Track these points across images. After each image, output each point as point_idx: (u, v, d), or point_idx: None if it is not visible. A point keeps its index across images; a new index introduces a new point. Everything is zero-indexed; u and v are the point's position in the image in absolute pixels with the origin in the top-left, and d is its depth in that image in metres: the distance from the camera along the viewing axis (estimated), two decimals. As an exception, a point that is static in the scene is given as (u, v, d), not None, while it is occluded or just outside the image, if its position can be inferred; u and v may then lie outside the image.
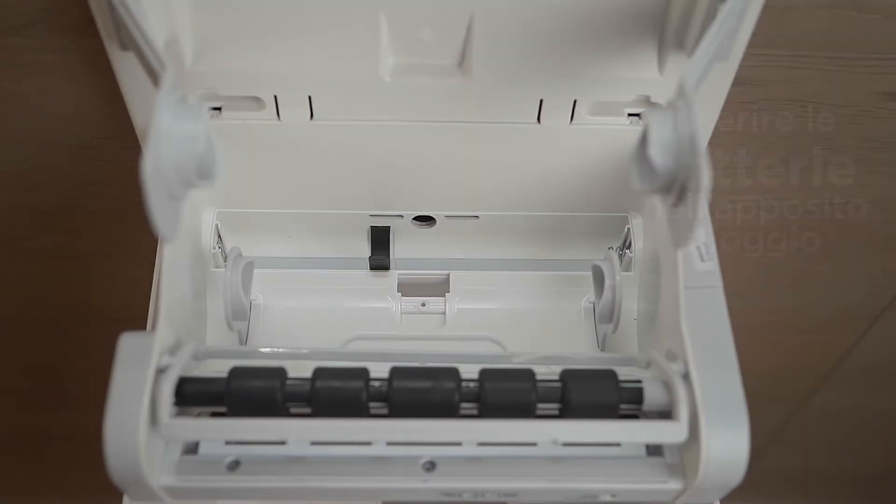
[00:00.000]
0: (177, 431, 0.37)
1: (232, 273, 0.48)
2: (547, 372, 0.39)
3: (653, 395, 0.38)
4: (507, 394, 0.38)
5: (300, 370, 0.38)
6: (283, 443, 0.39)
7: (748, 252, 0.70)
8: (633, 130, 0.46)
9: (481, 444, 0.40)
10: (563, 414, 0.38)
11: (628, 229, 0.51)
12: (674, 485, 0.38)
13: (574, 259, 0.54)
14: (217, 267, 0.50)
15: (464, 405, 0.38)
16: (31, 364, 0.87)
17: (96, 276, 0.71)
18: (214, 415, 0.39)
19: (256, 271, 0.51)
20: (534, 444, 0.40)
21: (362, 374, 0.38)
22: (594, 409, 0.38)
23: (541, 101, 0.45)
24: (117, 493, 0.39)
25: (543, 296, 0.53)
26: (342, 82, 0.44)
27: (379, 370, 0.38)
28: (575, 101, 0.45)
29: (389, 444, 0.39)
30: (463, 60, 0.43)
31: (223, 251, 0.51)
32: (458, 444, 0.39)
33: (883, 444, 1.13)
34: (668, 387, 0.38)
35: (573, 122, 0.46)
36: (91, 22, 0.41)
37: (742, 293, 0.67)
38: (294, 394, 0.37)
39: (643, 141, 0.34)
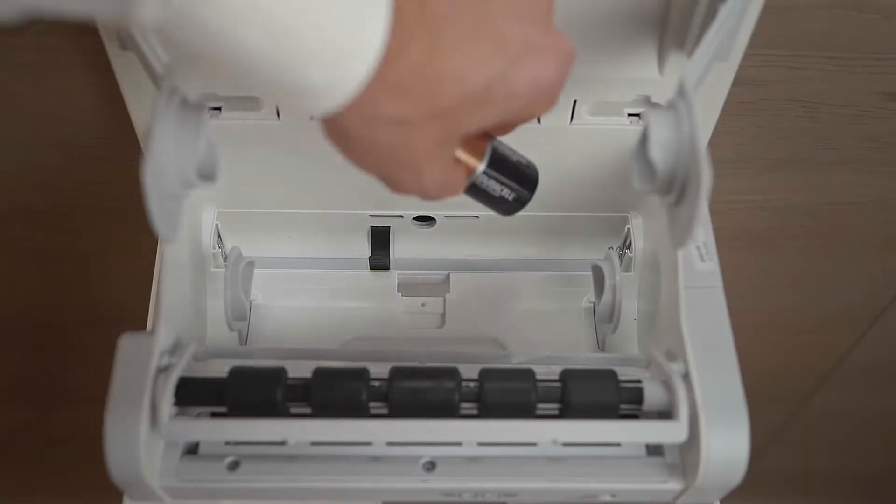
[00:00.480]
0: (177, 432, 0.37)
1: (232, 273, 0.48)
2: (547, 372, 0.39)
3: (653, 395, 0.38)
4: (507, 394, 0.38)
5: (300, 370, 0.38)
6: (283, 443, 0.39)
7: (748, 252, 0.70)
8: (633, 130, 0.46)
9: (481, 444, 0.40)
10: (563, 414, 0.38)
11: (628, 229, 0.51)
12: (674, 485, 0.38)
13: (574, 259, 0.54)
14: (217, 267, 0.50)
15: (464, 405, 0.38)
16: (31, 364, 0.87)
17: (96, 276, 0.71)
18: (214, 415, 0.39)
19: (256, 271, 0.51)
20: (534, 444, 0.40)
21: (362, 374, 0.37)
22: (594, 409, 0.38)
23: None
24: (117, 493, 0.39)
25: (543, 296, 0.52)
26: (342, 82, 0.44)
27: (379, 370, 0.38)
28: (575, 101, 0.45)
29: (389, 444, 0.39)
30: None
31: (223, 251, 0.51)
32: (458, 444, 0.39)
33: (883, 444, 1.13)
34: (668, 387, 0.38)
35: (573, 122, 0.46)
36: (91, 22, 0.41)
37: (742, 293, 0.67)
38: (294, 394, 0.37)
39: (643, 141, 0.34)
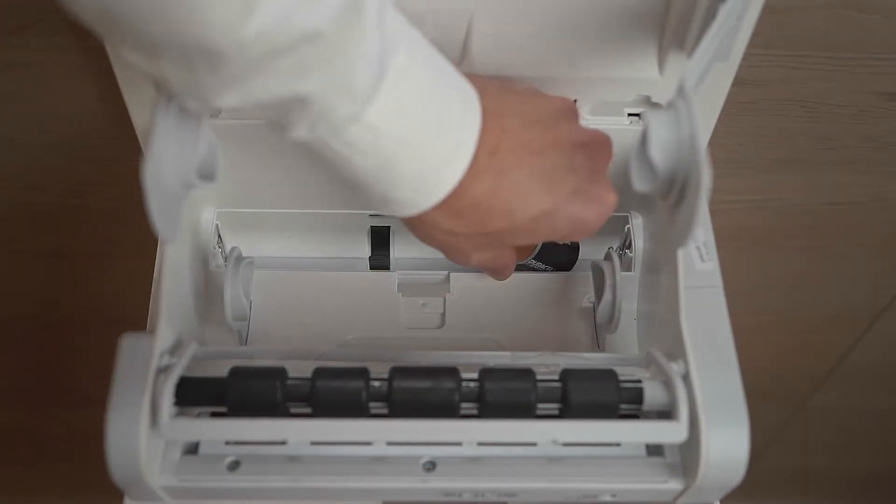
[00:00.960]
0: (177, 432, 0.37)
1: (232, 273, 0.48)
2: (547, 372, 0.39)
3: (653, 395, 0.38)
4: (507, 394, 0.38)
5: (300, 370, 0.38)
6: (283, 443, 0.39)
7: (748, 252, 0.70)
8: (633, 130, 0.46)
9: (481, 444, 0.40)
10: (564, 414, 0.38)
11: (628, 229, 0.51)
12: (674, 485, 0.38)
13: (574, 259, 0.54)
14: (217, 267, 0.50)
15: (464, 405, 0.38)
16: (30, 364, 0.87)
17: (96, 276, 0.71)
18: (214, 415, 0.39)
19: (256, 271, 0.51)
20: (534, 444, 0.40)
21: (362, 373, 0.38)
22: (594, 408, 0.38)
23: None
24: (117, 493, 0.39)
25: (543, 296, 0.52)
26: (342, 82, 0.44)
27: (379, 370, 0.38)
28: (575, 102, 0.45)
29: (389, 443, 0.39)
30: (463, 60, 0.43)
31: (223, 251, 0.51)
32: (458, 444, 0.39)
33: (882, 444, 1.13)
34: (668, 387, 0.38)
35: (573, 122, 0.46)
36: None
37: (742, 293, 0.67)
38: (294, 394, 0.37)
39: (643, 141, 0.34)
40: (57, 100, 0.52)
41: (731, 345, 0.40)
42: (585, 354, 0.44)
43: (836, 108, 0.55)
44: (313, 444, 0.39)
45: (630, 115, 0.46)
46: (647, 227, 0.50)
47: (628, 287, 0.50)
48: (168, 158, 0.32)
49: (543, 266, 0.51)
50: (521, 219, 0.37)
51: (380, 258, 0.53)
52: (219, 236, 0.51)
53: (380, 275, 0.53)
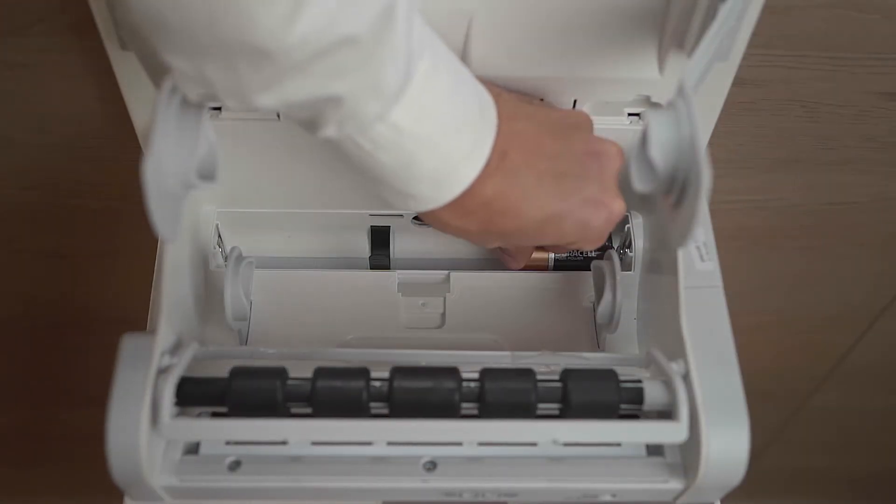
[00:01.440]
0: (178, 432, 0.37)
1: (232, 273, 0.48)
2: (547, 372, 0.39)
3: (653, 395, 0.38)
4: (507, 394, 0.38)
5: (301, 370, 0.38)
6: (283, 443, 0.39)
7: (748, 252, 0.70)
8: (633, 130, 0.46)
9: (482, 443, 0.40)
10: (564, 414, 0.38)
11: (628, 229, 0.51)
12: (674, 484, 0.38)
13: (574, 259, 0.54)
14: (217, 267, 0.50)
15: (464, 405, 0.38)
16: (30, 364, 0.87)
17: (96, 276, 0.71)
18: (215, 415, 0.39)
19: (256, 271, 0.51)
20: (534, 444, 0.40)
21: (363, 373, 0.38)
22: (594, 408, 0.38)
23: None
24: (117, 493, 0.39)
25: (543, 295, 0.52)
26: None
27: (379, 370, 0.38)
28: (575, 101, 0.45)
29: (390, 443, 0.39)
30: (463, 60, 0.43)
31: (223, 251, 0.51)
32: (459, 444, 0.39)
33: (882, 444, 1.13)
34: (668, 387, 0.38)
35: (573, 122, 0.46)
36: (91, 22, 0.41)
37: (742, 293, 0.67)
38: (295, 394, 0.37)
39: (643, 141, 0.34)
40: (57, 100, 0.52)
41: (731, 345, 0.40)
42: (585, 354, 0.44)
43: (836, 108, 0.55)
44: (314, 444, 0.39)
45: (630, 115, 0.46)
46: (647, 227, 0.51)
47: (628, 287, 0.50)
48: (168, 158, 0.32)
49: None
50: (528, 221, 0.39)
51: (380, 258, 0.53)
52: (219, 236, 0.51)
53: (380, 274, 0.53)
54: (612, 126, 0.46)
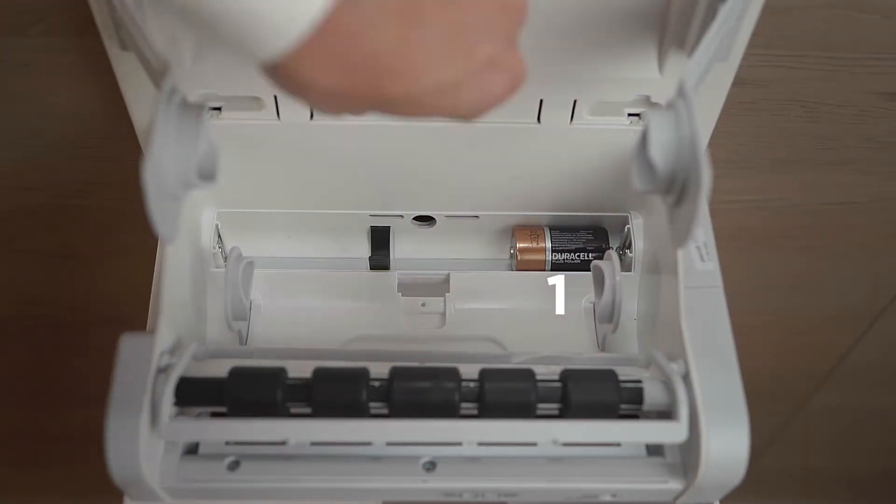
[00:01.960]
0: (177, 432, 0.37)
1: (232, 273, 0.48)
2: (547, 372, 0.39)
3: (653, 395, 0.38)
4: (507, 394, 0.38)
5: (300, 370, 0.38)
6: (283, 443, 0.39)
7: (748, 252, 0.70)
8: (633, 130, 0.46)
9: (481, 444, 0.40)
10: (564, 414, 0.38)
11: (628, 229, 0.51)
12: (674, 485, 0.38)
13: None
14: (217, 267, 0.50)
15: (464, 405, 0.38)
16: (30, 364, 0.87)
17: (96, 276, 0.71)
18: (214, 415, 0.39)
19: (256, 271, 0.51)
20: (534, 444, 0.40)
21: (362, 374, 0.37)
22: (594, 409, 0.38)
23: (541, 101, 0.45)
24: (117, 493, 0.39)
25: (543, 296, 0.52)
26: (342, 82, 0.44)
27: (379, 370, 0.38)
28: (575, 101, 0.45)
29: (389, 444, 0.39)
30: (463, 60, 0.43)
31: (223, 251, 0.51)
32: (459, 444, 0.39)
33: (883, 444, 1.13)
34: (668, 387, 0.38)
35: (573, 122, 0.46)
36: (91, 22, 0.41)
37: (742, 293, 0.67)
38: (294, 394, 0.37)
39: (643, 141, 0.34)
40: (57, 100, 0.52)
41: (731, 345, 0.40)
42: (585, 354, 0.44)
43: (836, 108, 0.55)
44: (313, 444, 0.39)
45: (630, 115, 0.46)
46: (647, 227, 0.50)
47: (628, 287, 0.50)
48: (168, 158, 0.32)
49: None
50: (426, 86, 0.30)
51: (380, 258, 0.53)
52: (219, 236, 0.51)
53: (380, 275, 0.53)
54: (612, 126, 0.46)
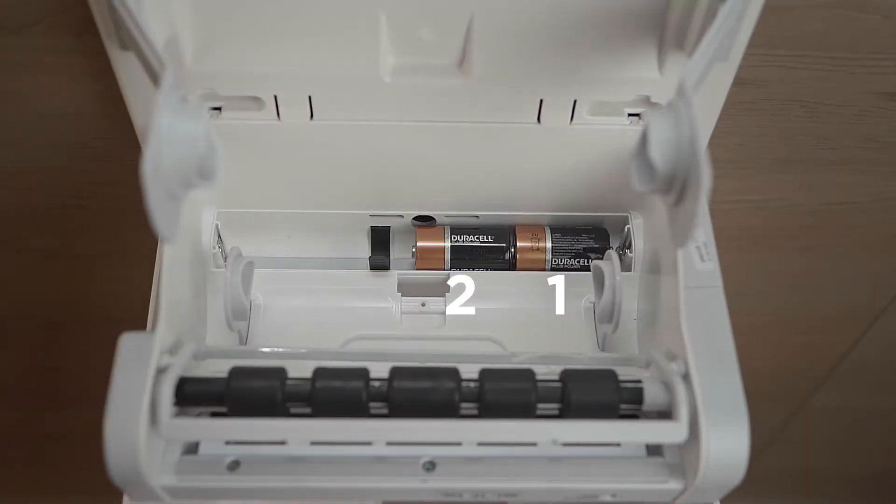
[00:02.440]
0: (177, 431, 0.37)
1: (232, 273, 0.48)
2: (547, 372, 0.39)
3: (653, 395, 0.38)
4: (507, 394, 0.38)
5: (300, 370, 0.38)
6: (283, 443, 0.39)
7: (748, 252, 0.70)
8: (633, 130, 0.46)
9: (481, 444, 0.40)
10: (563, 414, 0.38)
11: (628, 229, 0.51)
12: (674, 485, 0.38)
13: (574, 259, 0.54)
14: (217, 267, 0.50)
15: (464, 405, 0.38)
16: (30, 364, 0.87)
17: (96, 276, 0.71)
18: (214, 415, 0.39)
19: (256, 271, 0.51)
20: (534, 444, 0.40)
21: (362, 374, 0.37)
22: (594, 409, 0.38)
23: (541, 101, 0.45)
24: (117, 493, 0.39)
25: (543, 296, 0.52)
26: (342, 82, 0.44)
27: (379, 370, 0.38)
28: (575, 101, 0.45)
29: (389, 444, 0.39)
30: (463, 60, 0.43)
31: (223, 251, 0.51)
32: (458, 444, 0.39)
33: (883, 444, 1.13)
34: (668, 387, 0.38)
35: (573, 122, 0.46)
36: (91, 22, 0.41)
37: (742, 293, 0.67)
38: (294, 394, 0.37)
39: (643, 141, 0.34)
40: (57, 100, 0.52)
41: (731, 345, 0.40)
42: (585, 354, 0.44)
43: (836, 108, 0.55)
44: (313, 444, 0.39)
45: (630, 115, 0.46)
46: (647, 227, 0.50)
47: (628, 287, 0.50)
48: (168, 158, 0.32)
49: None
50: None
51: (380, 258, 0.53)
52: (219, 236, 0.51)
53: (380, 275, 0.53)
54: (612, 126, 0.46)
